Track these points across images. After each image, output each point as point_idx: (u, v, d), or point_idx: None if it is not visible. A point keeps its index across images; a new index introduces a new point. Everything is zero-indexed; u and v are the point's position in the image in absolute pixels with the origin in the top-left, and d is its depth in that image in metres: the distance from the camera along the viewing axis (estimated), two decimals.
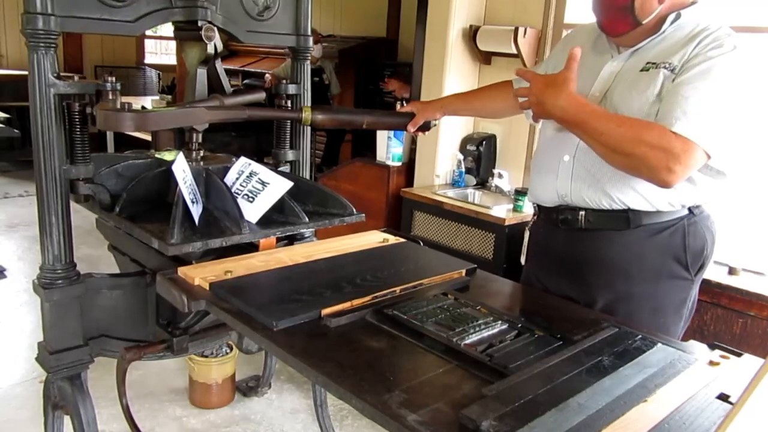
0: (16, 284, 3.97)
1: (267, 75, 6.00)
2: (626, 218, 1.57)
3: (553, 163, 1.65)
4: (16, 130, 4.59)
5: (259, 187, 1.69)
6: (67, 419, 1.83)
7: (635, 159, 1.41)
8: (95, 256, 4.22)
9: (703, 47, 1.44)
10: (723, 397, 1.09)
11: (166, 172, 1.72)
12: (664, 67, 1.48)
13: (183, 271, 1.51)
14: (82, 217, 2.07)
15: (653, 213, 1.56)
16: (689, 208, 1.57)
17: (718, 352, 1.27)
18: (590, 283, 1.64)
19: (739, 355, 1.26)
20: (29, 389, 2.78)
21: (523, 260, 1.92)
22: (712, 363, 1.22)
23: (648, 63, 1.52)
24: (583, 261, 1.65)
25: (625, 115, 1.48)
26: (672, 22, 1.52)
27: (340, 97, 6.17)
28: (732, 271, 2.57)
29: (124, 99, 1.60)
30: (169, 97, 6.61)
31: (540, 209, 1.79)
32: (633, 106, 1.50)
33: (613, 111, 1.53)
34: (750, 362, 1.24)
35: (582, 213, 1.62)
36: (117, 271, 2.08)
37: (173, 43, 8.87)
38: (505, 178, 3.63)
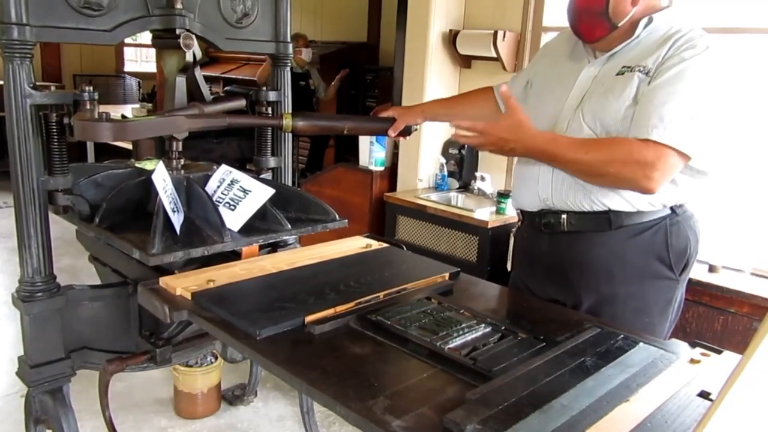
0: None
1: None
2: (608, 219, 1.59)
3: (533, 168, 1.67)
4: None
5: (240, 194, 1.68)
6: None
7: (611, 177, 1.48)
8: (77, 266, 4.17)
9: (676, 49, 1.47)
10: (704, 395, 1.10)
11: (146, 182, 1.71)
12: (639, 71, 1.50)
13: (165, 281, 1.50)
14: (63, 227, 2.05)
15: (634, 213, 1.57)
16: (671, 208, 1.59)
17: (699, 350, 1.28)
18: (575, 285, 1.65)
19: (719, 352, 1.28)
20: (10, 404, 2.74)
21: (509, 266, 1.93)
22: (693, 361, 1.23)
23: (623, 67, 1.54)
24: (568, 264, 1.66)
25: (590, 139, 1.52)
26: (645, 26, 1.54)
27: (322, 103, 6.15)
28: (712, 269, 2.61)
29: (104, 108, 1.59)
30: (150, 105, 6.57)
31: (523, 215, 1.80)
32: (610, 110, 1.52)
33: (591, 116, 1.55)
34: (730, 359, 1.25)
35: (564, 216, 1.64)
36: (98, 281, 2.06)
37: (153, 51, 8.80)
38: (488, 181, 3.65)
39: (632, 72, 1.51)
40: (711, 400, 1.09)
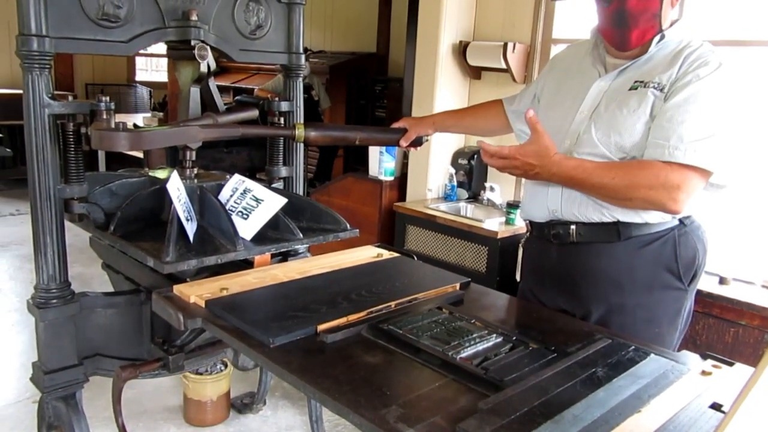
0: (8, 304, 3.95)
1: (256, 90, 5.99)
2: (616, 230, 1.59)
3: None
4: (8, 149, 4.58)
5: (253, 203, 1.70)
6: None
7: (638, 202, 1.50)
8: (88, 274, 4.20)
9: (689, 66, 1.48)
10: (716, 407, 1.11)
11: (160, 190, 1.73)
12: (653, 87, 1.51)
13: (178, 289, 1.51)
14: (74, 235, 2.07)
15: (643, 225, 1.58)
16: (680, 219, 1.60)
17: (710, 361, 1.29)
18: (584, 295, 1.66)
19: (730, 364, 1.28)
20: (22, 410, 2.76)
21: (518, 277, 1.94)
22: (704, 373, 1.23)
23: (636, 82, 1.55)
24: (576, 274, 1.67)
25: (615, 163, 1.53)
26: (657, 43, 1.55)
27: (332, 113, 6.19)
28: (723, 281, 2.60)
29: (117, 118, 1.61)
30: (161, 114, 6.62)
31: (532, 225, 1.81)
32: (624, 125, 1.53)
33: (603, 130, 1.56)
34: (742, 371, 1.25)
35: (573, 227, 1.64)
36: (111, 289, 2.08)
37: (164, 61, 8.89)
38: (497, 192, 3.65)
39: (646, 88, 1.52)
40: (723, 412, 1.09)
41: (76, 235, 2.12)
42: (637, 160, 1.51)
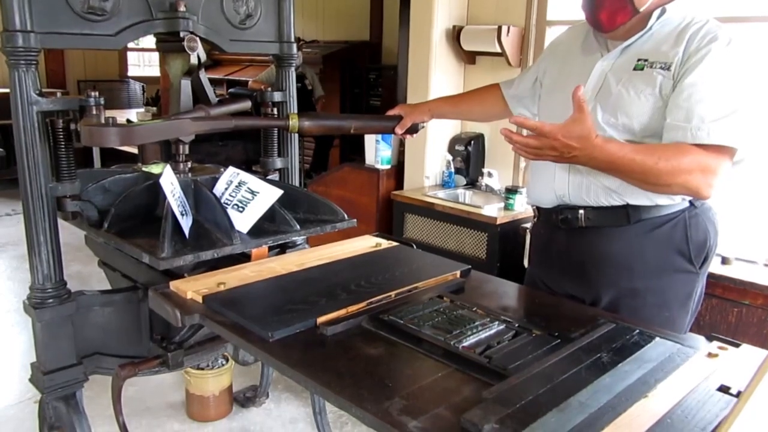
0: (6, 304, 3.93)
1: (249, 82, 5.95)
2: (626, 214, 1.57)
3: (549, 165, 1.64)
4: (1, 149, 4.54)
5: (248, 196, 1.68)
6: None
7: (675, 187, 1.44)
8: (85, 272, 4.18)
9: (699, 42, 1.44)
10: (723, 389, 1.09)
11: (154, 186, 1.70)
12: (660, 67, 1.47)
13: (175, 285, 1.49)
14: (71, 233, 2.05)
15: (652, 207, 1.55)
16: (690, 201, 1.57)
17: (716, 343, 1.27)
18: (594, 281, 1.64)
19: (737, 345, 1.26)
20: (24, 410, 2.75)
21: (526, 263, 1.92)
22: (710, 355, 1.22)
23: (640, 60, 1.51)
24: (585, 259, 1.64)
25: (654, 146, 1.46)
26: (658, 18, 1.52)
27: (326, 103, 6.14)
28: (725, 261, 2.58)
29: (109, 113, 1.58)
30: (155, 108, 6.58)
31: (539, 211, 1.78)
32: (633, 106, 1.50)
33: (611, 111, 1.53)
34: (748, 352, 1.23)
35: (581, 211, 1.62)
36: (108, 287, 2.06)
37: (156, 55, 8.82)
38: (495, 177, 3.63)
39: (652, 68, 1.49)
40: (731, 394, 1.07)
41: (73, 233, 2.09)
42: (673, 144, 1.44)
